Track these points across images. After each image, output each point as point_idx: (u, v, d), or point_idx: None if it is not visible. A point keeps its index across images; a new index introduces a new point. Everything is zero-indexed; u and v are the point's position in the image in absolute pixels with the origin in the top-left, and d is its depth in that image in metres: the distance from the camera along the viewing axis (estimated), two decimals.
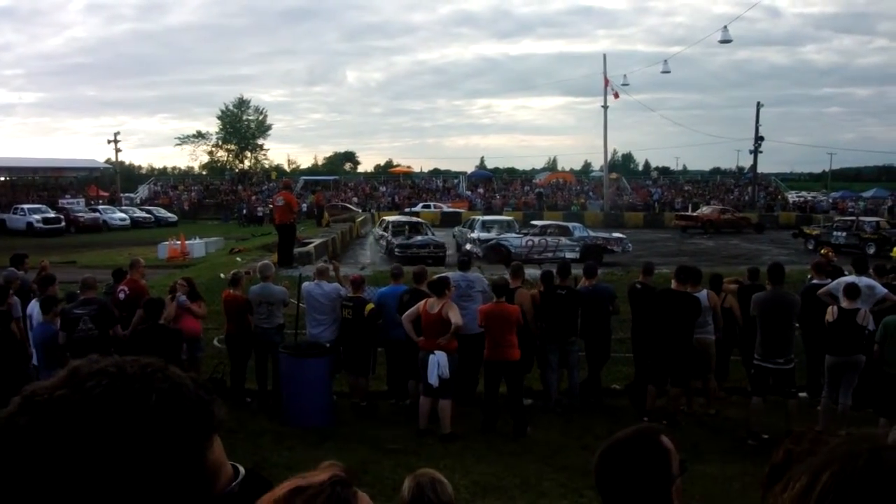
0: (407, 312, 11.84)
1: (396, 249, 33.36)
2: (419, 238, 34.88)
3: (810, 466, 1.33)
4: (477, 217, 43.67)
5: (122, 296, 12.83)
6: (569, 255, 32.19)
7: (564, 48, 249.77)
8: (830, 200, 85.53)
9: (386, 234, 36.92)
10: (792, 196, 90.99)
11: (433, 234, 36.64)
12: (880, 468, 1.26)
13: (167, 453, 1.34)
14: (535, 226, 36.66)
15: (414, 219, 41.81)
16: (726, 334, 12.86)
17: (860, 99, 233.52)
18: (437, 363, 11.34)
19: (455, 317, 11.42)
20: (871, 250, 35.65)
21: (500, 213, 60.31)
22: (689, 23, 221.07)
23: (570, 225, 37.03)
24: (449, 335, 11.41)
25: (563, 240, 34.13)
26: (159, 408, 1.35)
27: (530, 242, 33.74)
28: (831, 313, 11.60)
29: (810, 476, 1.30)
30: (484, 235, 35.14)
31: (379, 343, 13.02)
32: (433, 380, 11.35)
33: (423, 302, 11.71)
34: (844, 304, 11.52)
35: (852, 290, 11.60)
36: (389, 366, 13.12)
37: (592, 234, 36.42)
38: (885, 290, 12.76)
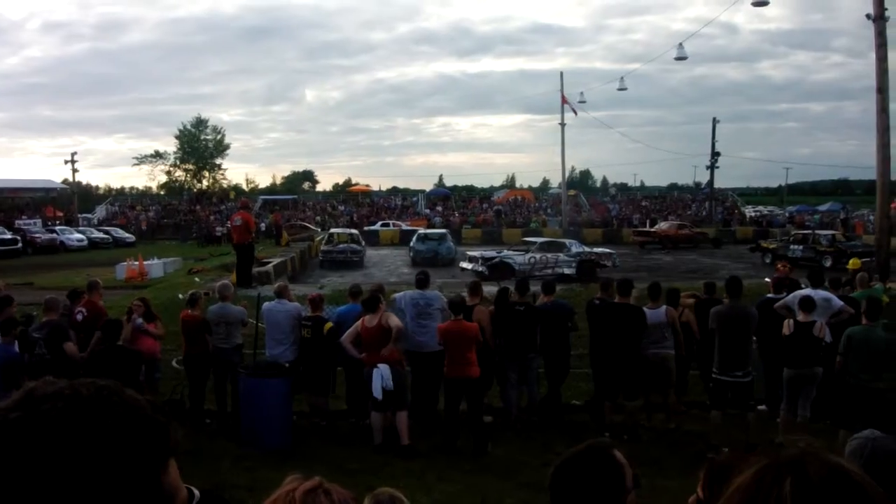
0: (346, 333, 11.93)
1: (321, 254, 43.36)
2: (341, 245, 43.90)
3: (740, 481, 1.36)
4: (421, 230, 51.01)
5: (80, 317, 12.72)
6: (566, 270, 33.74)
7: (524, 66, 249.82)
8: (787, 214, 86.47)
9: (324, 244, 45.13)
10: (749, 210, 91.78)
11: (360, 245, 44.94)
12: (807, 481, 1.29)
13: (122, 476, 1.33)
14: (533, 243, 37.31)
15: (351, 231, 50.36)
16: (684, 349, 12.94)
17: (815, 114, 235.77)
18: (381, 376, 11.39)
19: (394, 321, 11.54)
20: (828, 263, 36.11)
21: (460, 230, 63.32)
22: (647, 40, 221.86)
23: (567, 241, 38.28)
24: (391, 343, 11.50)
25: (561, 256, 35.01)
26: (114, 430, 1.35)
27: (532, 259, 34.52)
28: (788, 326, 11.71)
29: (738, 491, 1.34)
30: (488, 254, 36.06)
31: (338, 362, 12.96)
32: (377, 393, 11.39)
33: (360, 320, 11.79)
34: (800, 317, 11.64)
35: (808, 303, 11.73)
36: (349, 385, 13.07)
37: (587, 249, 37.18)
38: (842, 303, 12.87)
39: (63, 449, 1.29)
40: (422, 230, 51.44)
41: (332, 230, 52.99)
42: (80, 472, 1.29)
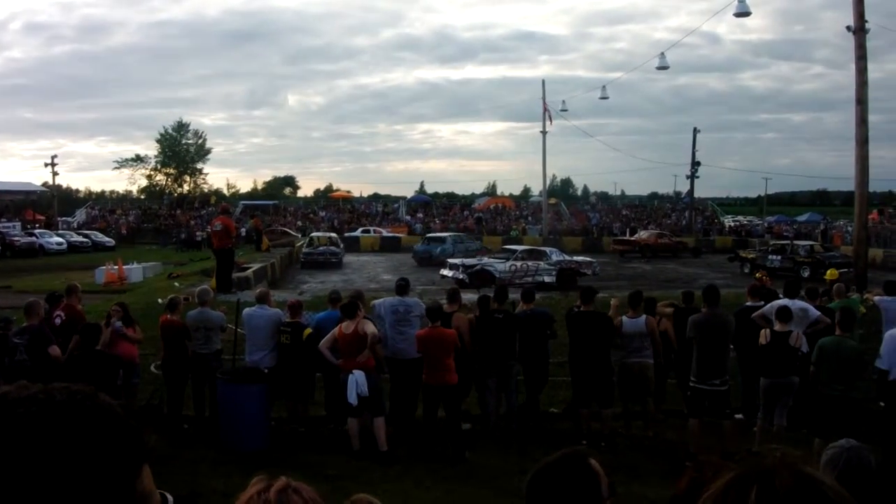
0: (323, 340, 11.94)
1: (302, 256, 46.02)
2: (321, 248, 46.90)
3: (711, 490, 1.37)
4: (440, 235, 53.55)
5: (58, 321, 12.65)
6: (546, 278, 33.95)
7: (506, 73, 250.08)
8: (766, 225, 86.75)
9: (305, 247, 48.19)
10: (728, 220, 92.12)
11: (339, 247, 48.83)
12: (772, 492, 1.31)
13: (96, 481, 1.33)
14: (514, 251, 37.19)
15: (330, 234, 54.61)
16: (662, 357, 13.00)
17: (796, 125, 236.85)
18: (356, 382, 11.38)
19: (370, 328, 11.57)
20: (806, 273, 36.31)
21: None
22: (630, 49, 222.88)
23: (548, 249, 38.50)
24: (367, 351, 11.52)
25: (542, 264, 35.11)
26: (88, 436, 1.35)
27: (513, 267, 34.55)
28: (764, 336, 11.77)
29: (707, 500, 1.35)
30: (468, 261, 36.32)
31: (317, 368, 12.94)
32: (352, 399, 11.39)
33: (337, 327, 11.80)
34: (777, 326, 11.70)
35: (785, 313, 11.79)
36: (327, 391, 13.06)
37: (567, 258, 37.37)
38: (818, 313, 12.97)
39: (36, 454, 1.29)
40: (429, 235, 55.07)
41: (313, 234, 55.93)
42: (53, 477, 1.28)
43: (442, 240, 49.74)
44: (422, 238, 54.91)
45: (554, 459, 2.81)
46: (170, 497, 1.56)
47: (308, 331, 12.58)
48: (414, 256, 48.62)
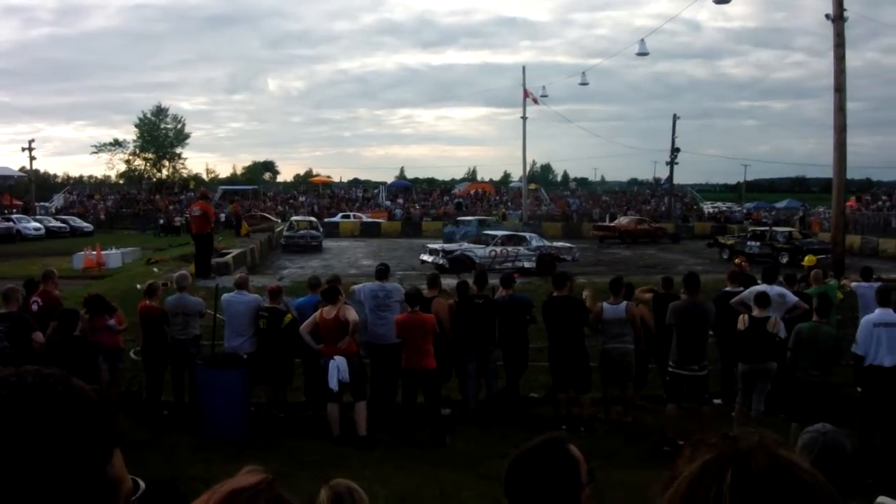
0: (304, 323, 11.90)
1: (283, 239, 48.27)
2: (301, 231, 48.70)
3: (686, 472, 1.38)
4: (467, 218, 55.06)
5: (35, 307, 12.57)
6: (526, 264, 33.93)
7: (488, 59, 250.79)
8: (745, 211, 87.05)
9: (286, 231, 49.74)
10: (707, 207, 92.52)
11: (318, 231, 50.02)
12: (748, 474, 1.32)
13: (65, 465, 1.33)
14: (494, 236, 37.14)
15: (310, 218, 56.33)
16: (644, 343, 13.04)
17: (775, 112, 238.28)
18: (338, 367, 11.39)
19: (352, 315, 11.55)
20: (784, 259, 36.44)
21: (420, 223, 63.13)
22: (612, 35, 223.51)
23: (528, 235, 38.20)
24: (348, 336, 11.50)
25: (522, 249, 35.09)
26: (58, 419, 1.35)
27: (493, 252, 34.48)
28: (743, 322, 11.83)
29: (684, 482, 1.36)
30: (448, 246, 36.46)
31: (296, 354, 12.94)
32: (333, 384, 11.40)
33: (318, 311, 11.77)
34: (755, 312, 11.75)
35: (763, 299, 11.85)
36: (307, 377, 13.06)
37: (547, 243, 37.39)
38: (796, 299, 13.05)
39: (6, 436, 1.30)
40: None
41: (293, 218, 57.37)
42: (22, 460, 1.28)
43: (467, 223, 51.00)
44: (451, 221, 58.03)
45: (533, 445, 2.81)
46: (142, 483, 1.56)
47: (289, 317, 12.56)
48: (443, 238, 47.62)
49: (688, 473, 1.41)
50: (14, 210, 69.92)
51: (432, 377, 11.97)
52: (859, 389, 11.97)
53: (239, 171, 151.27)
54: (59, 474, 1.32)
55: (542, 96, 60.58)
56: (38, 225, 60.37)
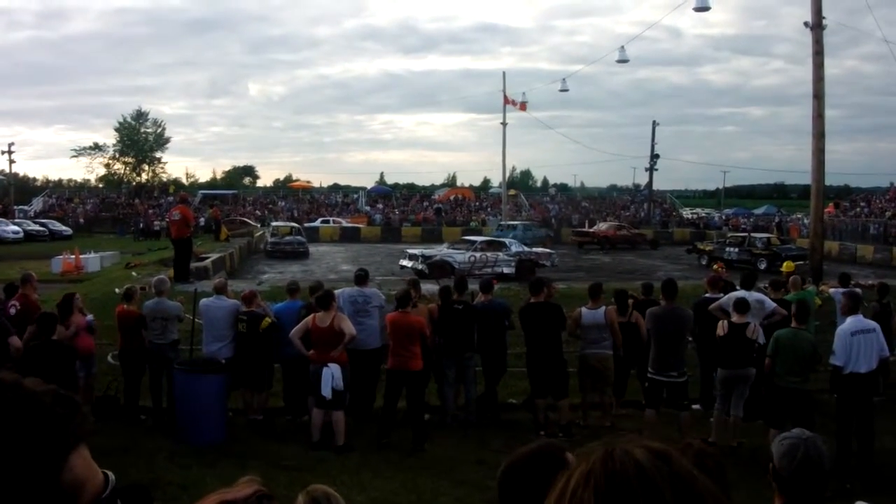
0: (295, 328, 11.84)
1: (269, 245, 46.60)
2: (287, 238, 47.24)
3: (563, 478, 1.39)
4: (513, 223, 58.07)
5: (13, 311, 12.48)
6: (506, 269, 34.00)
7: (469, 65, 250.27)
8: (723, 217, 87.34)
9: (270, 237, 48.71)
10: (686, 213, 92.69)
11: (302, 237, 48.20)
12: (612, 468, 1.32)
13: (14, 467, 1.32)
14: (473, 241, 37.27)
15: (292, 224, 54.89)
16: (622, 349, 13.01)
17: (755, 119, 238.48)
18: (332, 375, 11.34)
19: (348, 328, 11.49)
20: (763, 265, 36.68)
21: (400, 228, 63.13)
22: (593, 42, 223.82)
23: (507, 241, 38.34)
24: (342, 346, 11.46)
25: (501, 255, 35.24)
26: (6, 421, 1.34)
27: (472, 258, 34.55)
28: (722, 328, 11.88)
29: (564, 479, 1.37)
30: (428, 252, 36.23)
31: (275, 359, 12.91)
32: (326, 392, 11.34)
33: (311, 316, 11.71)
34: (734, 318, 11.81)
35: (742, 305, 11.91)
36: (286, 382, 13.02)
37: (526, 249, 37.48)
38: (774, 305, 13.11)
39: None
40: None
41: (274, 223, 57.34)
42: None
43: (513, 227, 53.04)
44: (497, 225, 58.55)
45: (528, 452, 2.78)
46: (111, 476, 1.54)
47: (267, 321, 12.52)
48: None
49: (563, 479, 1.41)
50: None
51: (418, 379, 11.98)
52: (835, 396, 12.01)
53: (219, 176, 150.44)
54: (8, 474, 1.31)
55: (523, 102, 60.68)
56: (16, 228, 59.93)
